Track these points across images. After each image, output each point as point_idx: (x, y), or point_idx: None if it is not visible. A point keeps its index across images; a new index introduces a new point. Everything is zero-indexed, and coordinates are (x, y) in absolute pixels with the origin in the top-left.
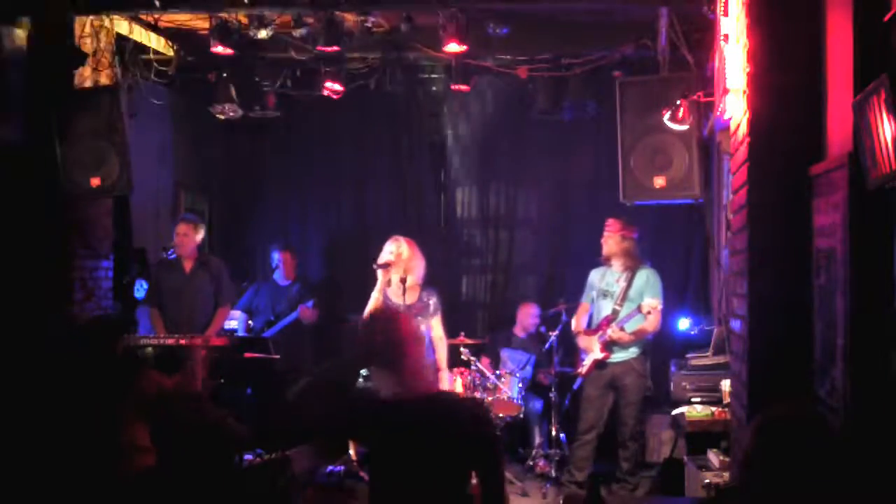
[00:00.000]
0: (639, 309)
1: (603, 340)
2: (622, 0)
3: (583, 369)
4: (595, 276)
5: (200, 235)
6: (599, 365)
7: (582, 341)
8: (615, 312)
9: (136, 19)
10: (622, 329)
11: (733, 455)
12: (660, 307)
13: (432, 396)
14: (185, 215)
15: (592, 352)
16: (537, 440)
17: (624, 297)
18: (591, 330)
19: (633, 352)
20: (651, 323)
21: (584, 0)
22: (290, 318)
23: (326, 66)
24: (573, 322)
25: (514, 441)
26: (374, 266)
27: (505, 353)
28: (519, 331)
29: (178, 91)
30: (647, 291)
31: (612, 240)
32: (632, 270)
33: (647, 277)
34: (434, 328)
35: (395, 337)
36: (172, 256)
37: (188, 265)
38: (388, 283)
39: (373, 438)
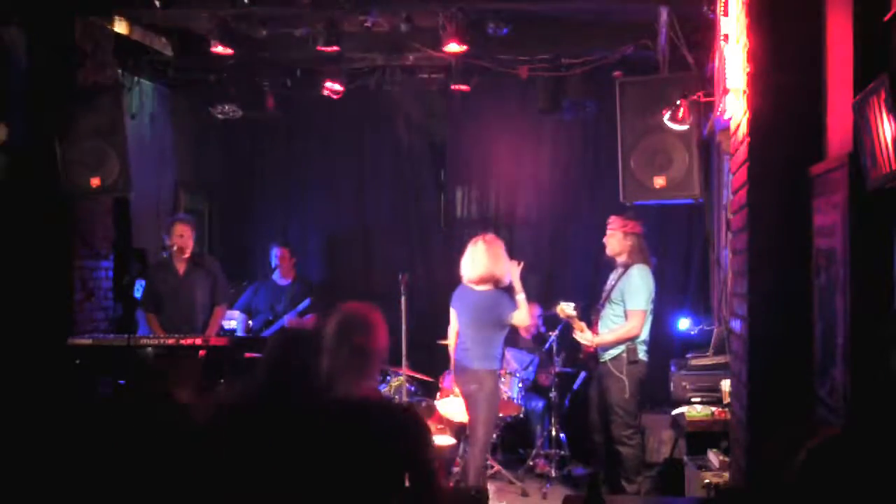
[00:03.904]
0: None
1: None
2: (622, 0)
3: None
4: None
5: (195, 235)
6: (592, 364)
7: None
8: (597, 312)
9: (136, 19)
10: (589, 330)
11: (733, 455)
12: (640, 311)
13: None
14: (181, 215)
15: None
16: (537, 440)
17: (607, 297)
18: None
19: (611, 354)
20: (623, 330)
21: (584, 0)
22: (282, 322)
23: (326, 66)
24: None
25: (514, 441)
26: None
27: (509, 353)
28: (523, 332)
29: (178, 91)
30: (628, 294)
31: (614, 238)
32: (626, 269)
33: (630, 278)
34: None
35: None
36: (169, 255)
37: (182, 265)
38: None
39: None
